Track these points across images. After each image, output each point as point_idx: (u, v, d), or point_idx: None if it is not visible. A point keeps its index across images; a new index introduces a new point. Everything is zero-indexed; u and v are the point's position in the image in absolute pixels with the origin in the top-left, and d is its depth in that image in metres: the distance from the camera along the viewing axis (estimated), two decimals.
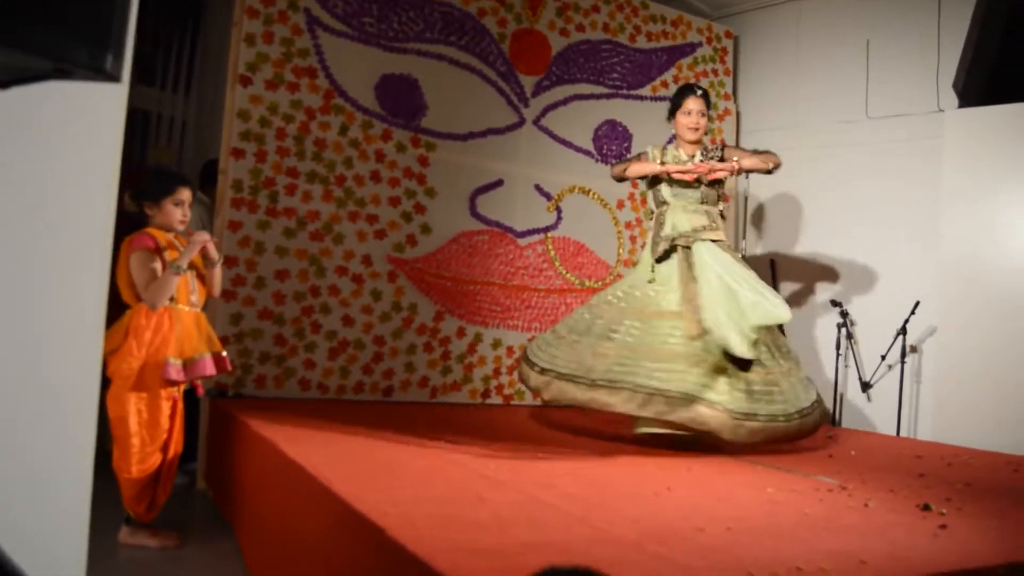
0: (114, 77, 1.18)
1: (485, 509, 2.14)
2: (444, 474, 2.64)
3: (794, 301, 5.70)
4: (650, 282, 3.91)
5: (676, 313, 3.71)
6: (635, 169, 4.08)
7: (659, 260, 3.95)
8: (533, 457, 3.15)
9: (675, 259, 3.91)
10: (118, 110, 1.65)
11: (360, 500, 2.10)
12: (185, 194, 3.42)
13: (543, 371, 3.75)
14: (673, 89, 5.66)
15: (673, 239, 3.92)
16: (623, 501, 2.41)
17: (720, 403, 3.40)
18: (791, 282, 5.74)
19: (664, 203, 4.05)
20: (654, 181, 4.12)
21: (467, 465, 2.81)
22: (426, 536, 1.79)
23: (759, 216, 6.08)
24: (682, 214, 4.01)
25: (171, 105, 6.03)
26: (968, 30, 4.78)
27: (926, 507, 2.55)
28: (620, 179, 4.23)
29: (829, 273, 5.56)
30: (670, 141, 4.35)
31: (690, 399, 3.40)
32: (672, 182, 4.03)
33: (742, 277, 3.78)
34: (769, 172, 4.09)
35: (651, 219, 4.17)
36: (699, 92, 4.12)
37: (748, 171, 4.16)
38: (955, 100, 5.01)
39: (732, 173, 4.05)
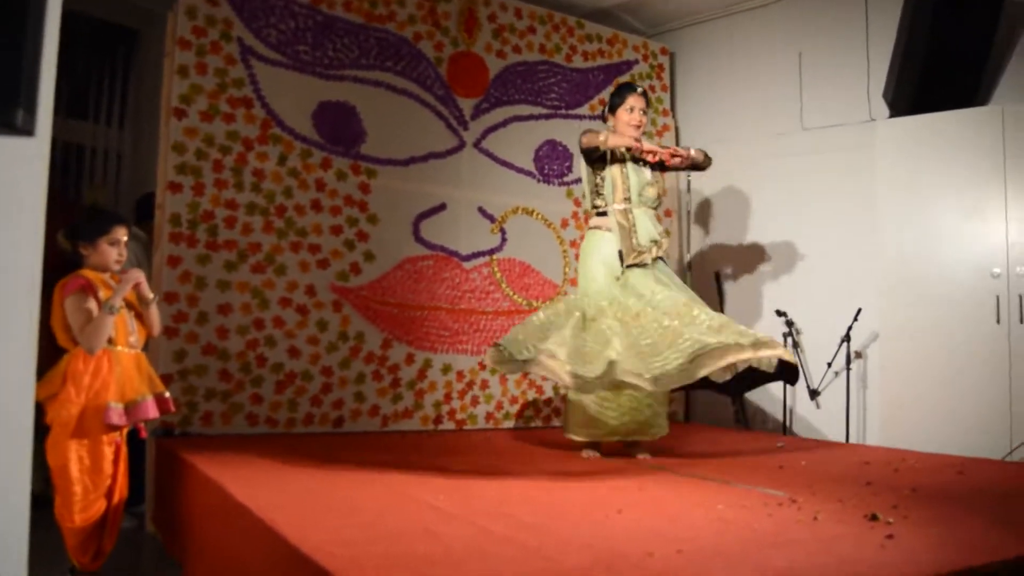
0: (26, 131, 1.15)
1: (437, 544, 2.11)
2: (394, 508, 2.61)
3: (740, 312, 5.77)
4: (616, 279, 3.94)
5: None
6: (614, 140, 3.98)
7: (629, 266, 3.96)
8: (485, 485, 3.13)
9: (639, 270, 3.96)
10: (39, 160, 1.61)
11: (306, 541, 2.06)
12: (121, 233, 3.35)
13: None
14: None
15: (642, 252, 3.96)
16: (575, 527, 2.40)
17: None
18: (736, 294, 5.81)
19: (627, 200, 4.04)
20: (601, 160, 4.08)
21: (418, 497, 2.78)
22: None
23: (701, 229, 6.15)
24: (646, 221, 4.05)
25: (105, 138, 5.93)
26: (895, 41, 4.91)
27: (874, 517, 2.58)
28: (590, 149, 4.02)
29: (773, 283, 5.64)
30: None
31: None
32: (636, 180, 4.06)
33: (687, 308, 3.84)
34: (705, 165, 4.26)
35: (595, 208, 4.13)
36: (639, 90, 4.17)
37: (694, 162, 4.20)
38: (886, 110, 5.14)
39: (686, 161, 4.13)
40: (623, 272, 3.96)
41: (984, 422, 4.48)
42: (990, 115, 4.66)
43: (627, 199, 4.05)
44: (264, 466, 3.36)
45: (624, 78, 5.95)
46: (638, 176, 4.09)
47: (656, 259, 4.02)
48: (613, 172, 4.07)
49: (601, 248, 4.05)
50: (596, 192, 4.13)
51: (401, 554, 2.01)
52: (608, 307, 3.86)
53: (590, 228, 4.16)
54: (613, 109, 4.18)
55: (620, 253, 3.98)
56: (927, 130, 4.82)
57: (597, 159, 4.09)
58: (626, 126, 4.12)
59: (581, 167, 4.18)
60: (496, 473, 3.47)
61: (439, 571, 1.89)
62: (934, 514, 2.66)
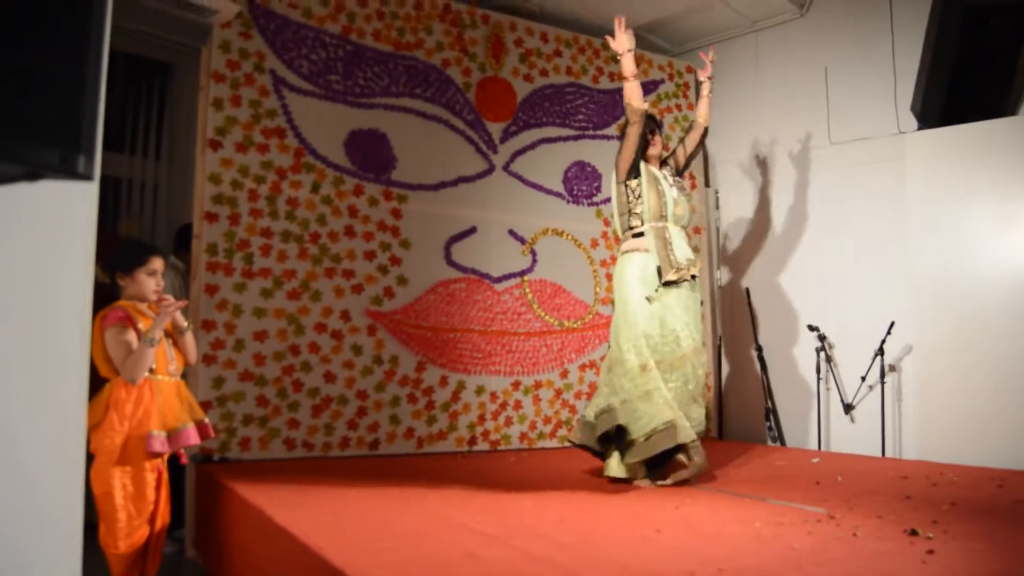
0: (87, 176, 1.21)
1: (477, 568, 2.14)
2: (434, 532, 2.64)
3: (771, 328, 5.76)
4: (648, 299, 3.89)
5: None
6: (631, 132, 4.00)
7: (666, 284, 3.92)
8: (521, 506, 3.15)
9: (675, 290, 3.95)
10: (91, 200, 1.67)
11: (351, 565, 2.09)
12: (158, 263, 3.42)
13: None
14: None
15: (680, 268, 3.93)
16: (614, 547, 2.42)
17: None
18: (767, 310, 5.80)
19: (663, 218, 4.01)
20: (635, 170, 4.06)
21: (457, 520, 2.81)
22: None
23: (731, 246, 6.15)
24: (681, 239, 4.05)
25: (142, 170, 6.04)
26: (922, 53, 4.90)
27: (913, 532, 2.57)
28: (627, 169, 4.06)
29: (804, 298, 5.63)
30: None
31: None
32: (670, 198, 4.04)
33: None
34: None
35: (631, 228, 4.06)
36: (657, 123, 4.30)
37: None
38: (914, 122, 5.12)
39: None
40: (658, 290, 3.91)
41: (1021, 434, 4.43)
42: (1020, 125, 4.63)
43: (663, 217, 4.02)
44: (302, 490, 3.41)
45: (651, 98, 5.99)
46: (670, 193, 4.07)
47: (692, 277, 4.02)
48: (648, 189, 4.03)
49: (641, 270, 3.96)
50: (630, 211, 4.07)
51: None
52: (654, 351, 3.86)
53: (626, 252, 4.06)
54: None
55: (659, 269, 3.93)
56: (956, 141, 4.80)
57: (631, 170, 4.05)
58: (651, 148, 4.19)
59: (612, 187, 4.16)
60: (532, 493, 3.50)
61: None
62: (975, 528, 2.65)
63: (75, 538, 1.70)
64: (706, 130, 4.39)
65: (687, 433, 3.68)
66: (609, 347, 4.07)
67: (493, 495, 3.40)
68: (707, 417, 4.08)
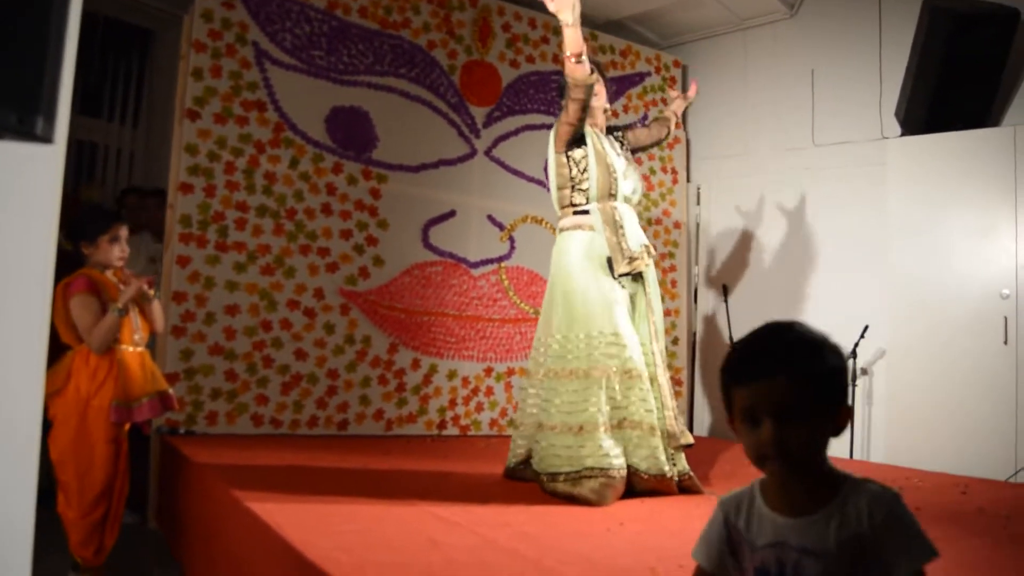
0: (46, 139, 1.17)
1: (438, 554, 2.12)
2: (397, 516, 2.61)
3: (746, 326, 5.75)
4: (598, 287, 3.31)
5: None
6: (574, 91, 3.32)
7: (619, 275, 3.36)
8: (487, 494, 3.13)
9: (629, 285, 3.43)
10: (54, 165, 1.63)
11: (311, 546, 2.07)
12: (122, 230, 3.37)
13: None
14: (623, 119, 5.76)
15: (635, 258, 3.36)
16: (577, 539, 2.41)
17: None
18: (742, 307, 5.81)
19: (612, 195, 3.45)
20: (578, 142, 3.48)
21: (421, 506, 2.79)
22: None
23: (710, 242, 6.15)
24: (634, 221, 3.50)
25: (119, 136, 5.97)
26: (908, 61, 4.91)
27: None
28: (574, 124, 3.42)
29: (780, 297, 5.64)
30: None
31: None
32: (620, 170, 3.47)
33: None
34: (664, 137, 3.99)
35: (573, 206, 3.49)
36: (599, 65, 3.63)
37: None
38: (897, 128, 5.13)
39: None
40: (620, 280, 3.37)
41: (989, 443, 4.47)
42: (1002, 136, 4.65)
43: (612, 194, 3.45)
44: (268, 468, 3.38)
45: (636, 90, 5.96)
46: (618, 165, 3.50)
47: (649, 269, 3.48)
48: (596, 163, 3.43)
49: (589, 251, 3.38)
50: (573, 186, 3.49)
51: (403, 563, 2.02)
52: (611, 358, 3.23)
53: (567, 229, 3.49)
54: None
55: (609, 261, 3.36)
56: (939, 149, 4.81)
57: (575, 139, 3.48)
58: (597, 113, 3.60)
59: (549, 154, 3.58)
60: (499, 482, 3.48)
61: None
62: (938, 534, 2.65)
63: (28, 506, 1.66)
64: (669, 131, 4.01)
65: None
66: (536, 348, 3.53)
67: (459, 481, 3.38)
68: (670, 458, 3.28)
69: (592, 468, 3.07)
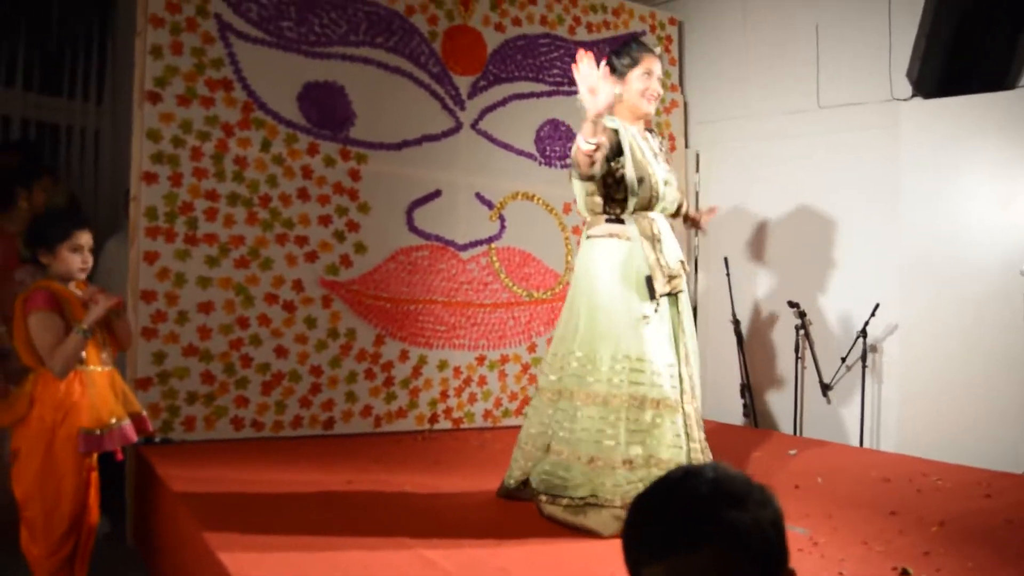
0: None
1: None
2: (384, 563, 2.38)
3: (749, 302, 5.52)
4: (644, 318, 2.93)
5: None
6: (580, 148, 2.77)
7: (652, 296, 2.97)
8: (481, 522, 2.89)
9: (664, 307, 3.04)
10: None
11: None
12: (84, 238, 3.06)
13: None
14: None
15: (675, 276, 3.02)
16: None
17: None
18: (745, 282, 5.54)
19: (646, 209, 3.07)
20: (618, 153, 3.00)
21: (411, 546, 2.54)
22: None
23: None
24: (669, 233, 3.13)
25: (82, 116, 5.62)
26: (921, 18, 4.57)
27: (904, 573, 2.35)
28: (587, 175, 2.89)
29: (785, 272, 5.38)
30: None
31: None
32: (660, 178, 3.07)
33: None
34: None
35: (606, 214, 3.08)
36: (657, 51, 3.19)
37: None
38: (908, 88, 4.82)
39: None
40: (656, 303, 2.96)
41: (1005, 427, 4.25)
42: (1021, 99, 4.35)
43: (650, 206, 3.08)
44: (244, 496, 3.11)
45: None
46: (660, 173, 3.10)
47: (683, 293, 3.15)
48: (636, 172, 3.00)
49: (624, 265, 2.99)
50: (608, 196, 3.06)
51: None
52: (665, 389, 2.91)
53: (597, 236, 3.08)
54: (622, 70, 3.11)
55: (648, 281, 2.95)
56: (954, 113, 4.51)
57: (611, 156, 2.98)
58: (640, 97, 3.10)
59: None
60: (492, 502, 3.20)
61: None
62: (968, 565, 2.44)
63: None
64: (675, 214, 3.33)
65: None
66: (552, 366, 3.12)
67: (451, 505, 3.12)
68: None
69: (600, 497, 2.81)
